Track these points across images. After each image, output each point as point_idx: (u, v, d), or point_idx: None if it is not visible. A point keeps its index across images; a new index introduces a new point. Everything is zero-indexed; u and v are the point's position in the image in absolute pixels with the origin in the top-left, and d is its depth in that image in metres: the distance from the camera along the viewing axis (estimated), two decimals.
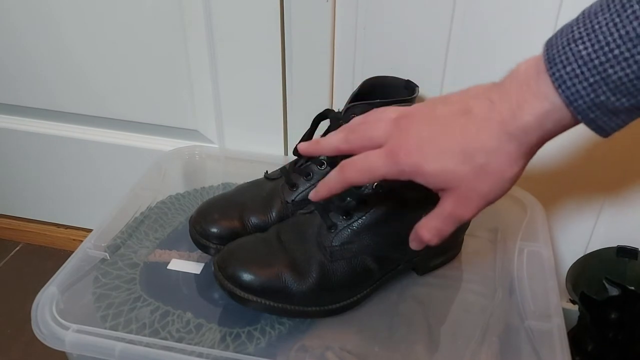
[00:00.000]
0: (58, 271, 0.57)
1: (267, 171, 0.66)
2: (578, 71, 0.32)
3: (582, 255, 0.74)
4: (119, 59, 0.81)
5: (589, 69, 0.32)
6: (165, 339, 0.51)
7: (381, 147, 0.40)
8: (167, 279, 0.59)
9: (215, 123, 0.83)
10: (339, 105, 0.72)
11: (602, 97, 0.33)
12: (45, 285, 0.55)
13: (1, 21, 0.82)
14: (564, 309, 0.54)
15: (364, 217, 0.53)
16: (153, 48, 0.79)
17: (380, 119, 0.42)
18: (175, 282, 0.59)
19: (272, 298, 0.51)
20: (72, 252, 0.61)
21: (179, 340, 0.51)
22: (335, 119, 0.59)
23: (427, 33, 0.68)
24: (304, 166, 0.62)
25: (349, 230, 0.53)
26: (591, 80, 0.32)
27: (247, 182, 0.65)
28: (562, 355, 0.49)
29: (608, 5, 0.32)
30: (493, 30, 0.66)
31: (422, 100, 0.72)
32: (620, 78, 0.32)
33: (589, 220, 0.75)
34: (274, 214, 0.60)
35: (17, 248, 1.03)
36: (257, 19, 0.72)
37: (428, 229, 0.42)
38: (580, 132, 0.71)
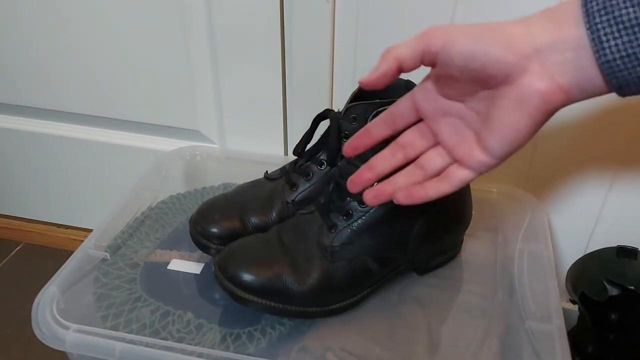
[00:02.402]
0: (58, 271, 0.57)
1: (267, 171, 0.66)
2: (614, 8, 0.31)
3: (582, 255, 0.73)
4: (120, 59, 0.81)
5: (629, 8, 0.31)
6: (165, 339, 0.51)
7: None
8: (167, 279, 0.59)
9: (216, 123, 0.83)
10: (339, 105, 0.72)
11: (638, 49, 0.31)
12: (46, 285, 0.55)
13: (2, 21, 0.82)
14: (564, 309, 0.54)
15: (364, 218, 0.53)
16: (154, 48, 0.79)
17: None
18: (175, 282, 0.59)
19: (272, 298, 0.51)
20: (73, 252, 0.61)
21: (180, 341, 0.51)
22: (335, 119, 0.59)
23: None
24: (304, 166, 0.62)
25: (349, 230, 0.53)
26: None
27: (248, 182, 0.65)
28: (562, 356, 0.49)
29: None
30: None
31: None
32: None
33: (589, 220, 0.75)
34: (274, 214, 0.60)
35: (18, 248, 1.04)
36: (257, 19, 0.72)
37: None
38: (581, 132, 0.71)
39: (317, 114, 0.61)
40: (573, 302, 0.68)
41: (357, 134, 0.45)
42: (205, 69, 0.78)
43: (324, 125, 0.61)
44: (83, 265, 0.60)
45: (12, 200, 1.01)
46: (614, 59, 0.32)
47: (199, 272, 0.60)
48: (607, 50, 0.32)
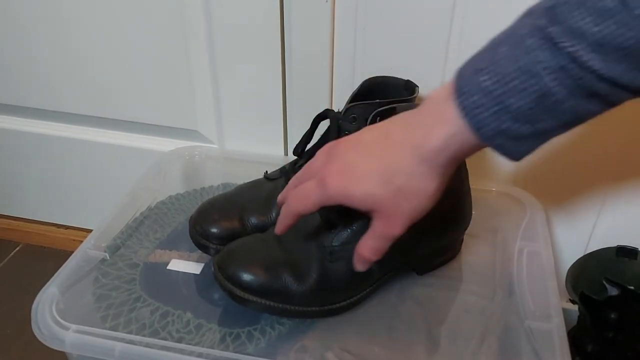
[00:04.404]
0: (58, 271, 0.57)
1: (267, 171, 0.66)
2: (481, 101, 0.34)
3: (582, 255, 0.73)
4: (119, 59, 0.81)
5: (491, 99, 0.34)
6: (165, 339, 0.51)
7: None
8: (167, 279, 0.59)
9: (215, 123, 0.83)
10: (339, 105, 0.72)
11: (505, 125, 0.34)
12: (45, 286, 0.55)
13: (2, 22, 0.82)
14: (564, 309, 0.54)
15: (363, 217, 0.53)
16: (153, 48, 0.79)
17: (320, 151, 0.45)
18: (175, 283, 0.59)
19: (272, 298, 0.51)
20: (72, 252, 0.61)
21: (179, 341, 0.51)
22: (335, 119, 0.59)
23: (427, 33, 0.68)
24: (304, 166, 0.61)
25: (348, 230, 0.53)
26: (494, 109, 0.34)
27: (247, 183, 0.65)
28: (561, 355, 0.49)
29: (507, 38, 0.34)
30: (493, 31, 0.66)
31: (422, 100, 0.72)
32: (519, 107, 0.33)
33: (589, 220, 0.75)
34: (273, 214, 0.60)
35: (17, 248, 1.03)
36: (257, 19, 0.72)
37: (367, 249, 0.44)
38: (580, 132, 0.71)
39: (317, 114, 0.61)
40: (573, 301, 0.68)
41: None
42: (205, 68, 0.78)
43: (324, 125, 0.61)
44: (82, 265, 0.60)
45: (12, 200, 1.01)
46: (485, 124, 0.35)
47: (198, 272, 0.60)
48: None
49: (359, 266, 0.46)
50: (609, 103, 0.34)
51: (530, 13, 0.34)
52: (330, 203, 0.42)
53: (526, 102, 0.33)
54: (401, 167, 0.39)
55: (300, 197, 0.44)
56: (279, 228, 0.48)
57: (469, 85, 0.35)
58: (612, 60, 0.31)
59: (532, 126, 0.34)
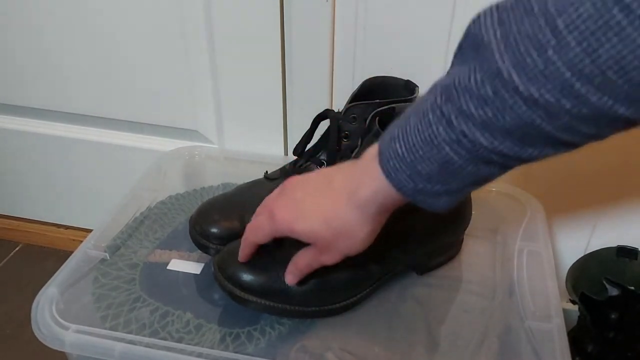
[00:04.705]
0: (58, 271, 0.57)
1: (267, 171, 0.66)
2: (397, 166, 0.38)
3: (582, 255, 0.74)
4: (119, 59, 0.81)
5: (404, 165, 0.38)
6: (165, 339, 0.51)
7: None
8: (167, 279, 0.59)
9: (215, 123, 0.83)
10: (339, 105, 0.72)
11: (420, 185, 0.38)
12: (45, 285, 0.55)
13: (3, 22, 0.82)
14: (564, 309, 0.54)
15: None
16: (153, 48, 0.79)
17: (279, 186, 0.49)
18: (175, 283, 0.59)
19: (271, 298, 0.51)
20: (72, 252, 0.61)
21: (179, 341, 0.51)
22: (335, 119, 0.59)
23: (427, 33, 0.68)
24: (304, 166, 0.61)
25: None
26: (407, 172, 0.38)
27: (247, 183, 0.65)
28: (562, 355, 0.49)
29: (416, 111, 0.38)
30: None
31: None
32: (428, 172, 0.37)
33: (589, 220, 0.75)
34: None
35: (17, 248, 1.04)
36: (257, 19, 0.72)
37: (298, 265, 0.49)
38: None
39: (317, 114, 0.61)
40: (573, 302, 0.68)
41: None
42: (205, 68, 0.78)
43: (324, 125, 0.61)
44: (82, 265, 0.60)
45: (12, 200, 1.01)
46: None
47: (198, 272, 0.60)
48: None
49: (290, 277, 0.50)
50: (508, 167, 0.37)
51: (434, 87, 0.38)
52: (278, 235, 0.47)
53: (433, 167, 0.37)
54: (338, 213, 0.43)
55: (254, 229, 0.49)
56: (241, 257, 0.51)
57: (388, 150, 0.39)
58: (498, 138, 0.34)
59: (444, 186, 0.38)
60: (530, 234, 0.65)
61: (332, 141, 0.59)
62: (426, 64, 0.70)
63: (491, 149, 0.35)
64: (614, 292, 0.67)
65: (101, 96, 0.85)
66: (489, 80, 0.33)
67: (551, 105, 0.31)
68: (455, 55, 0.37)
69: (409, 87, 0.63)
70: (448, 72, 0.37)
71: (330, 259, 0.47)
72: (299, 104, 0.78)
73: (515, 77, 0.31)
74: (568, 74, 0.30)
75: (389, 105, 0.56)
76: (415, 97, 0.61)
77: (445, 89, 0.36)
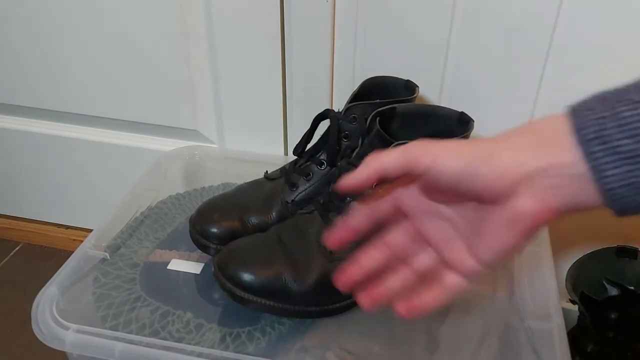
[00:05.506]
0: (58, 271, 0.57)
1: (267, 171, 0.66)
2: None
3: (582, 255, 0.73)
4: (120, 59, 0.81)
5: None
6: (165, 339, 0.51)
7: None
8: (167, 279, 0.59)
9: (215, 123, 0.83)
10: (339, 105, 0.72)
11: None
12: (46, 285, 0.55)
13: (3, 22, 0.82)
14: (563, 309, 0.54)
15: None
16: (154, 48, 0.79)
17: None
18: (175, 282, 0.59)
19: (272, 298, 0.51)
20: (72, 252, 0.61)
21: (179, 341, 0.51)
22: (335, 118, 0.59)
23: (427, 33, 0.68)
24: (304, 166, 0.62)
25: None
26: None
27: (247, 182, 0.65)
28: (561, 355, 0.49)
29: None
30: (493, 30, 0.66)
31: (421, 100, 0.72)
32: None
33: (589, 220, 0.75)
34: (274, 214, 0.60)
35: (17, 248, 1.04)
36: (257, 19, 0.72)
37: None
38: None
39: (317, 114, 0.61)
40: (573, 301, 0.68)
41: (338, 227, 0.42)
42: (205, 68, 0.78)
43: (324, 125, 0.61)
44: (83, 265, 0.60)
45: (12, 200, 1.01)
46: (615, 187, 0.32)
47: (198, 272, 0.60)
48: (609, 179, 0.32)
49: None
50: None
51: None
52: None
53: None
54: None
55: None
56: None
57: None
58: None
59: None
60: None
61: (332, 141, 0.59)
62: (426, 64, 0.70)
63: None
64: (613, 292, 0.67)
65: (101, 96, 0.85)
66: None
67: None
68: None
69: (409, 87, 0.63)
70: None
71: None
72: (299, 104, 0.78)
73: None
74: None
75: (389, 105, 0.56)
76: (415, 97, 0.61)
77: None
